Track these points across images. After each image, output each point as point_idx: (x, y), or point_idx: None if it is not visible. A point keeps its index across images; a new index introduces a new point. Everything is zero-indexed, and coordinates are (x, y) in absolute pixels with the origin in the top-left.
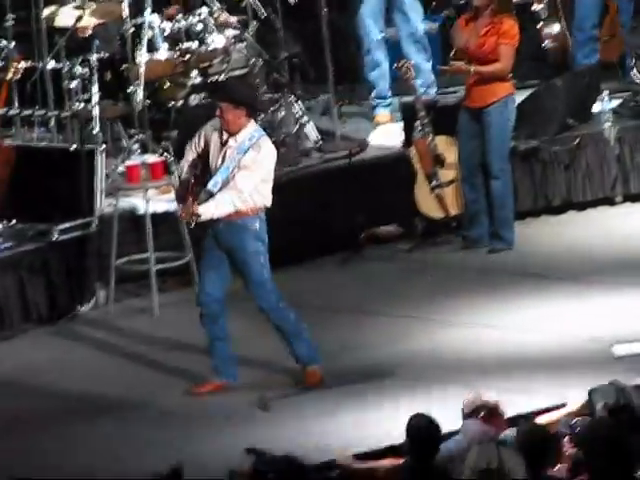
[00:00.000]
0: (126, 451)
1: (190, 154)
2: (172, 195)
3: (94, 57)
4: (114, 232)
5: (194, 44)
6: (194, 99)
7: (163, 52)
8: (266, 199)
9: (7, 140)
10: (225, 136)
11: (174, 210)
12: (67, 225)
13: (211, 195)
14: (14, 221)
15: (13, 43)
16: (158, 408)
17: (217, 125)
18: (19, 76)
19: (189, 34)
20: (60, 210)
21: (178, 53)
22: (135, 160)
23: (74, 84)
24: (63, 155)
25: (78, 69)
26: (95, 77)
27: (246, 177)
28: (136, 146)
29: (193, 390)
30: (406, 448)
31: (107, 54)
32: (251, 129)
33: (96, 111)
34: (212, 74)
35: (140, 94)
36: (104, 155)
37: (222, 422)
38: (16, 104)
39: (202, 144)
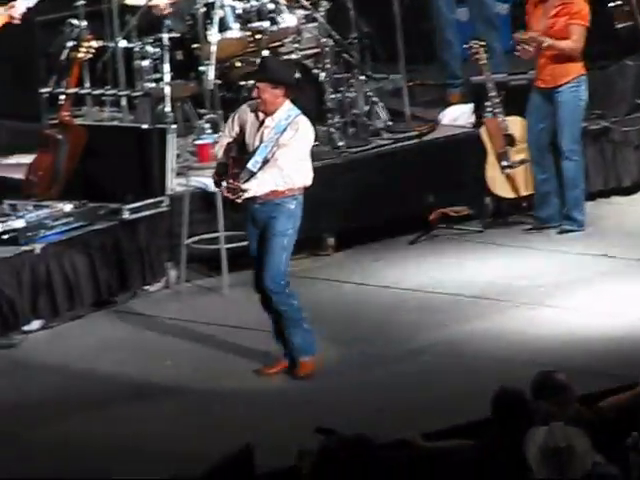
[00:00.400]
0: (195, 431)
1: (224, 138)
2: None
3: (165, 36)
4: (185, 211)
5: (265, 23)
6: None
7: (234, 31)
8: (306, 178)
9: (78, 120)
10: (262, 116)
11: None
12: (138, 204)
13: (252, 174)
14: (85, 200)
15: (85, 22)
16: (227, 388)
17: (252, 107)
18: (90, 55)
19: (260, 13)
20: (131, 189)
21: (249, 32)
22: (206, 139)
23: (145, 63)
24: (134, 134)
25: (149, 48)
26: (166, 56)
27: (285, 155)
28: (207, 125)
29: (262, 371)
30: (493, 422)
31: (178, 33)
32: (287, 108)
33: (167, 90)
34: (283, 54)
35: (211, 73)
36: (175, 134)
37: (290, 402)
38: (87, 83)
39: (237, 128)
